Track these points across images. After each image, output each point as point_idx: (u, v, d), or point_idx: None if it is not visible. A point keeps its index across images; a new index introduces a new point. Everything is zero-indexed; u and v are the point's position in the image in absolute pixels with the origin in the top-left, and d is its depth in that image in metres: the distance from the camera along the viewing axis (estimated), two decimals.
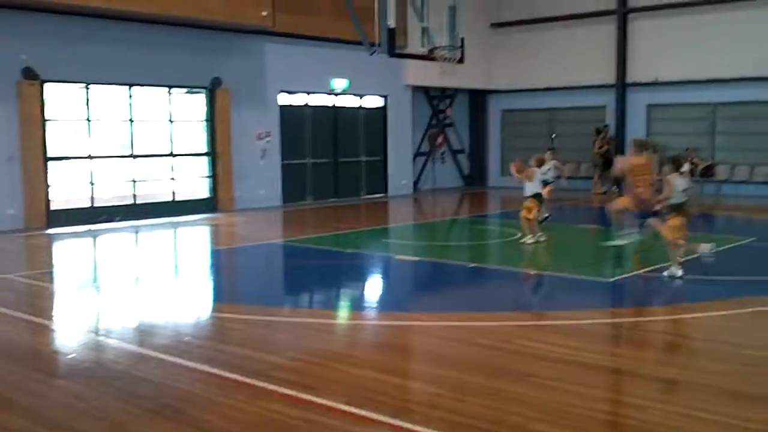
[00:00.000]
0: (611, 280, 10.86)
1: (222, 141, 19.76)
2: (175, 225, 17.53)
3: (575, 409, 5.64)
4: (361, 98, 23.57)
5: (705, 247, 10.67)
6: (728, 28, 22.55)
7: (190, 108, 19.72)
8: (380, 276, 12.19)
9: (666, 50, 23.80)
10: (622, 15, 24.69)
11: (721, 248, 12.47)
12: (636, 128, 24.73)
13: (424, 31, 15.91)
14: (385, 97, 24.11)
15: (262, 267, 12.96)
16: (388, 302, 10.10)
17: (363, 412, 5.47)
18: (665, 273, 10.35)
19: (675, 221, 10.31)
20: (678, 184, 10.30)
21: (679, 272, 10.24)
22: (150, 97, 18.78)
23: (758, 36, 22.10)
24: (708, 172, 22.61)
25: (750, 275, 10.70)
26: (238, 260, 13.46)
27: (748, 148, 22.62)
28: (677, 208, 10.33)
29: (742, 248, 12.82)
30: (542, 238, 13.18)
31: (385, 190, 24.19)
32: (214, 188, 19.96)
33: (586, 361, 6.72)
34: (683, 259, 10.54)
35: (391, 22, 14.72)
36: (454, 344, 7.57)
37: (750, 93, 22.46)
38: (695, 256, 10.90)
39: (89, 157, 17.49)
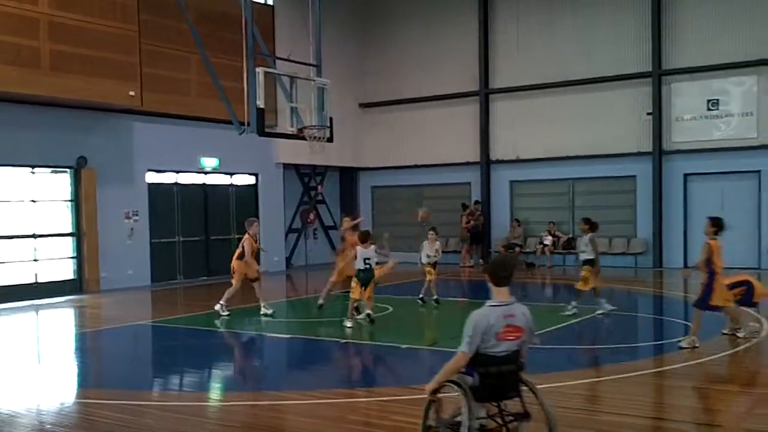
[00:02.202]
0: None
1: (87, 220, 19.16)
2: (38, 308, 16.72)
3: None
4: (231, 176, 23.47)
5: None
6: (583, 109, 24.03)
7: (55, 187, 19.08)
8: (253, 355, 11.99)
9: (526, 129, 25.05)
10: (485, 95, 25.83)
11: (584, 317, 13.08)
12: (501, 203, 25.77)
13: (293, 110, 16.13)
14: (256, 174, 24.11)
15: (130, 349, 12.50)
16: (260, 381, 9.94)
17: None
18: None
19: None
20: None
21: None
22: (11, 177, 18.07)
23: (611, 116, 23.65)
24: (569, 245, 23.65)
25: (610, 344, 11.16)
26: (105, 343, 12.94)
27: (604, 221, 23.79)
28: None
29: (604, 318, 13.39)
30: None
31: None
32: (79, 269, 19.24)
33: None
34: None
35: (260, 102, 14.87)
36: (329, 423, 7.50)
37: (604, 169, 23.87)
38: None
39: None
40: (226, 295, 14.52)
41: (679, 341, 10.51)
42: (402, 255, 25.50)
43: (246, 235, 14.49)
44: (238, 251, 14.57)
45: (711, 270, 10.40)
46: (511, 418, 5.57)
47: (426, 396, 5.59)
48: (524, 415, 5.59)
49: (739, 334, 11.02)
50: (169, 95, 20.37)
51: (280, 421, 7.71)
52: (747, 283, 11.36)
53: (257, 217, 23.89)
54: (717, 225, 10.50)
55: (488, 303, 5.53)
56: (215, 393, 9.24)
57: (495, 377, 5.46)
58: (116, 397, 8.46)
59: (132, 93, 18.63)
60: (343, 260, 14.39)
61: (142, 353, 12.51)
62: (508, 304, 5.52)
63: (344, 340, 12.09)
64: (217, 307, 14.49)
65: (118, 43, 18.46)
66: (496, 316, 5.41)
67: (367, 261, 12.76)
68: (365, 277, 12.79)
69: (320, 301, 14.81)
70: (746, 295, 11.35)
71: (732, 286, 11.24)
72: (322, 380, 9.81)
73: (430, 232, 15.75)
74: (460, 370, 5.48)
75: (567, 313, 13.29)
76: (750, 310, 11.51)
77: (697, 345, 10.34)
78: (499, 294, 5.54)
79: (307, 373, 10.51)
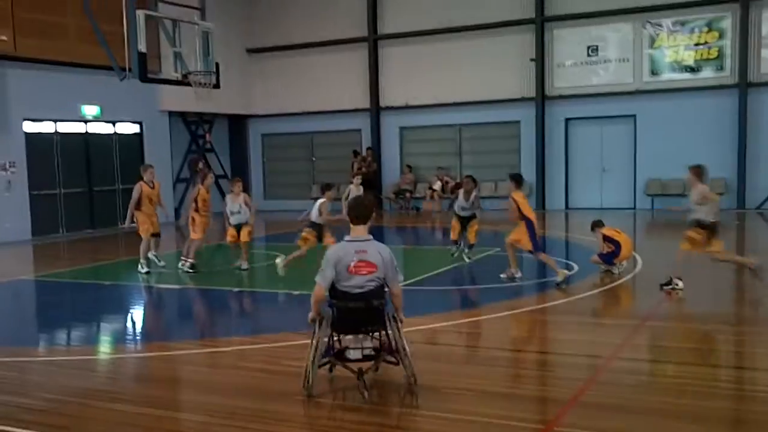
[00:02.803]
0: None
1: None
2: None
3: (338, 423, 5.83)
4: (114, 125, 22.71)
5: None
6: (470, 55, 24.37)
7: None
8: (142, 307, 11.81)
9: (415, 76, 25.22)
10: (373, 42, 25.80)
11: (471, 259, 13.47)
12: (390, 150, 25.96)
13: (177, 56, 15.69)
14: (141, 123, 23.39)
15: (12, 305, 12.07)
16: (150, 333, 9.83)
17: None
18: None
19: None
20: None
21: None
22: None
23: (496, 62, 24.09)
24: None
25: (497, 282, 11.54)
26: None
27: (490, 165, 24.45)
28: None
29: (489, 258, 13.81)
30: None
31: None
32: None
33: (351, 375, 6.86)
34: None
35: (142, 47, 14.35)
36: (221, 370, 7.52)
37: (490, 115, 24.40)
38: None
39: None
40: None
41: (555, 281, 11.02)
42: (291, 204, 25.59)
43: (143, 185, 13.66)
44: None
45: (526, 218, 11.21)
46: (369, 350, 6.21)
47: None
48: (381, 351, 6.24)
49: (614, 271, 11.69)
50: (45, 40, 19.40)
51: (171, 372, 7.66)
52: (617, 245, 11.79)
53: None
54: (516, 180, 11.51)
55: (344, 239, 6.17)
56: (104, 346, 9.08)
57: (348, 311, 6.10)
58: (0, 354, 8.20)
59: (4, 38, 17.68)
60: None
61: (26, 309, 12.09)
62: (362, 240, 6.10)
63: (236, 289, 12.05)
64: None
65: None
66: (347, 251, 6.02)
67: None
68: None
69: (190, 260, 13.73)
70: (610, 255, 11.80)
71: (605, 239, 11.81)
72: (214, 330, 9.81)
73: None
74: (325, 304, 6.16)
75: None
76: (603, 266, 11.98)
77: (567, 274, 11.18)
78: (355, 231, 6.14)
79: (197, 323, 10.47)
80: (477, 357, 7.96)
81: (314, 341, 6.22)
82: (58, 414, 6.14)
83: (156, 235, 14.06)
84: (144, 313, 11.31)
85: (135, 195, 13.60)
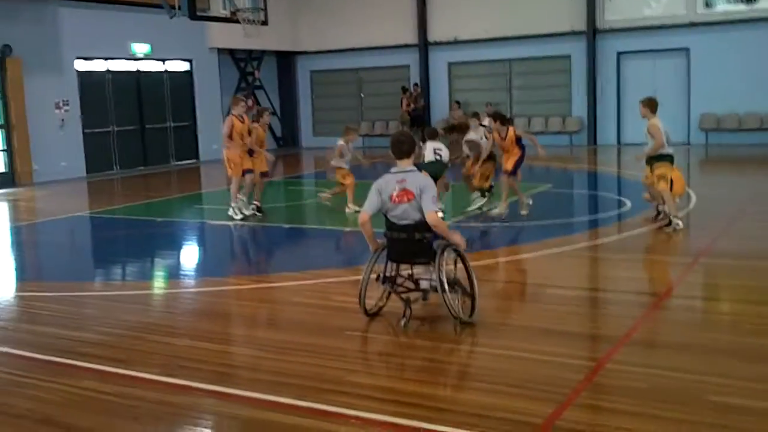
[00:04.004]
0: None
1: (16, 112, 18.55)
2: None
3: (392, 359, 5.88)
4: (164, 63, 22.80)
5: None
6: None
7: None
8: (194, 243, 11.99)
9: (463, 10, 24.73)
10: None
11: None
12: (439, 86, 25.66)
13: None
14: (190, 60, 23.45)
15: (68, 241, 12.36)
16: (202, 269, 9.97)
17: (180, 381, 5.40)
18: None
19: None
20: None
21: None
22: None
23: None
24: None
25: (549, 219, 11.44)
26: (41, 236, 12.74)
27: (541, 101, 24.07)
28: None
29: (541, 195, 13.65)
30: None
31: (197, 156, 23.66)
32: (10, 162, 18.77)
33: (400, 312, 6.87)
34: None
35: None
36: (273, 305, 7.62)
37: (540, 49, 23.87)
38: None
39: None
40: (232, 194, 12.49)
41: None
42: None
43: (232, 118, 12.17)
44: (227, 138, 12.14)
45: (522, 146, 11.62)
46: (435, 282, 6.26)
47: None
48: (428, 282, 6.39)
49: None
50: None
51: (222, 306, 7.79)
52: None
53: (193, 103, 23.54)
54: (499, 118, 11.75)
55: (390, 170, 6.45)
56: (158, 281, 9.26)
57: (393, 242, 6.42)
58: (57, 289, 8.41)
59: None
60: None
61: (81, 245, 12.40)
62: (404, 171, 6.35)
63: (288, 226, 12.15)
64: (230, 212, 12.38)
65: None
66: (389, 181, 6.33)
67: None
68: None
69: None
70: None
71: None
72: (264, 266, 9.93)
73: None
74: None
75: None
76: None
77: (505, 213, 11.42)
78: (399, 164, 6.41)
79: (249, 259, 10.60)
80: (527, 294, 7.93)
81: (369, 264, 6.48)
82: (114, 347, 6.29)
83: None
84: (196, 249, 11.47)
85: (226, 129, 12.10)
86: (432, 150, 11.66)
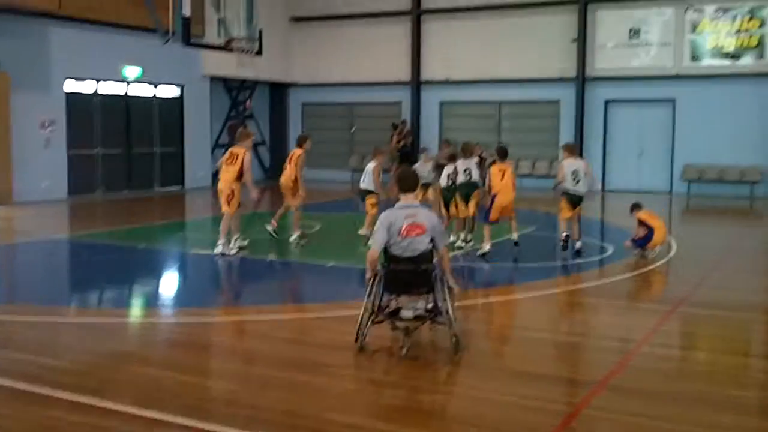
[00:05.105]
0: None
1: (0, 129, 18.42)
2: None
3: (368, 396, 5.82)
4: (155, 87, 22.80)
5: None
6: (511, 33, 24.17)
7: None
8: (175, 272, 11.87)
9: (457, 51, 24.98)
10: (416, 16, 25.56)
11: (505, 238, 13.31)
12: (430, 124, 25.82)
13: (221, 21, 15.67)
14: (182, 86, 23.46)
15: (45, 265, 12.12)
16: (182, 298, 9.87)
17: (153, 414, 5.29)
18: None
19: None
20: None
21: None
22: None
23: (538, 41, 23.81)
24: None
25: (531, 262, 11.43)
26: (18, 258, 12.56)
27: (529, 144, 24.26)
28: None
29: (524, 237, 13.62)
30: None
31: (182, 183, 23.57)
32: None
33: (382, 347, 6.84)
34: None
35: (187, 11, 14.39)
36: (253, 339, 7.54)
37: (530, 93, 24.14)
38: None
39: None
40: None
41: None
42: (328, 173, 25.66)
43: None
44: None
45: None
46: (421, 311, 6.55)
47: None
48: (431, 312, 6.56)
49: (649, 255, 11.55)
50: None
51: (203, 338, 7.68)
52: (650, 230, 11.61)
53: (182, 130, 23.51)
54: (500, 153, 12.35)
55: (395, 206, 6.67)
56: (137, 310, 9.13)
57: (398, 273, 6.53)
58: (31, 313, 8.28)
59: None
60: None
61: (59, 269, 12.19)
62: (411, 206, 6.61)
63: (270, 259, 12.08)
64: (220, 249, 11.69)
65: None
66: (398, 215, 6.51)
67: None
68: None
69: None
70: (643, 239, 11.63)
71: (640, 223, 11.67)
72: (248, 298, 9.84)
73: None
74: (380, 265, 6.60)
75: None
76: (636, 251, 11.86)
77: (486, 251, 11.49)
78: (404, 198, 6.67)
79: (229, 291, 10.51)
80: (507, 337, 7.90)
81: (367, 300, 6.60)
82: (89, 376, 6.18)
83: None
84: (177, 278, 11.36)
85: (248, 165, 11.62)
86: (462, 170, 12.18)
